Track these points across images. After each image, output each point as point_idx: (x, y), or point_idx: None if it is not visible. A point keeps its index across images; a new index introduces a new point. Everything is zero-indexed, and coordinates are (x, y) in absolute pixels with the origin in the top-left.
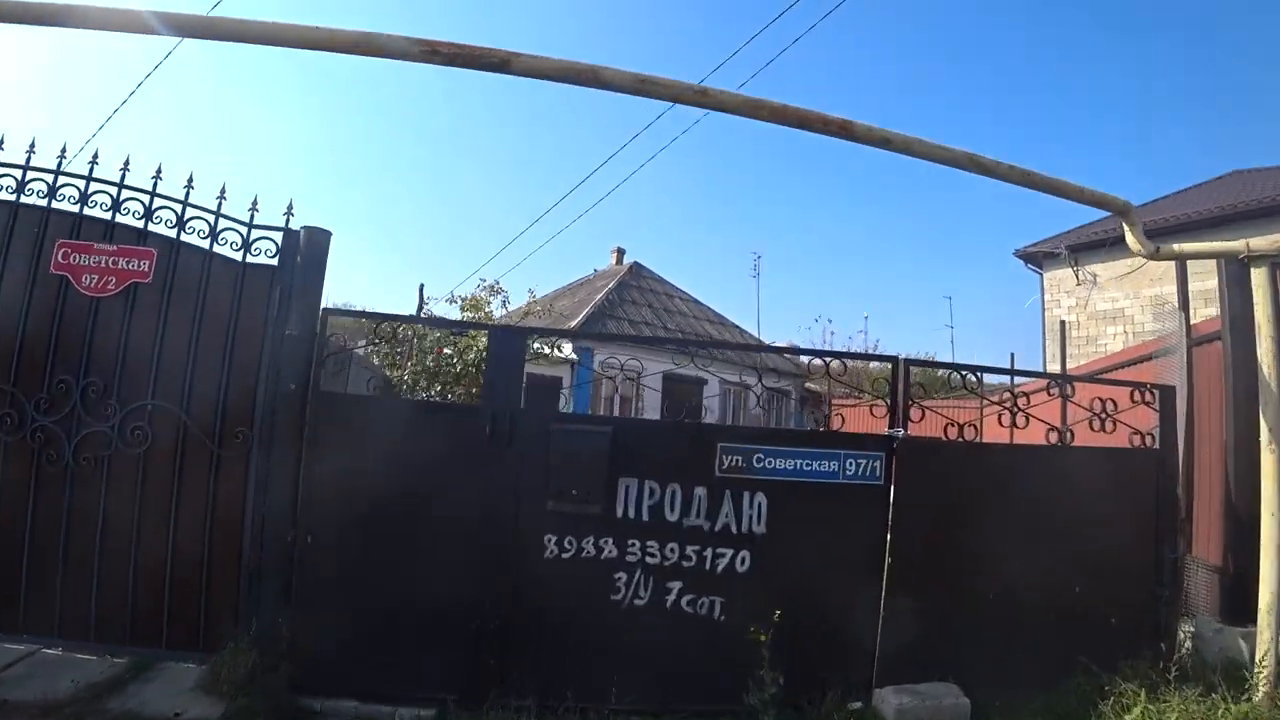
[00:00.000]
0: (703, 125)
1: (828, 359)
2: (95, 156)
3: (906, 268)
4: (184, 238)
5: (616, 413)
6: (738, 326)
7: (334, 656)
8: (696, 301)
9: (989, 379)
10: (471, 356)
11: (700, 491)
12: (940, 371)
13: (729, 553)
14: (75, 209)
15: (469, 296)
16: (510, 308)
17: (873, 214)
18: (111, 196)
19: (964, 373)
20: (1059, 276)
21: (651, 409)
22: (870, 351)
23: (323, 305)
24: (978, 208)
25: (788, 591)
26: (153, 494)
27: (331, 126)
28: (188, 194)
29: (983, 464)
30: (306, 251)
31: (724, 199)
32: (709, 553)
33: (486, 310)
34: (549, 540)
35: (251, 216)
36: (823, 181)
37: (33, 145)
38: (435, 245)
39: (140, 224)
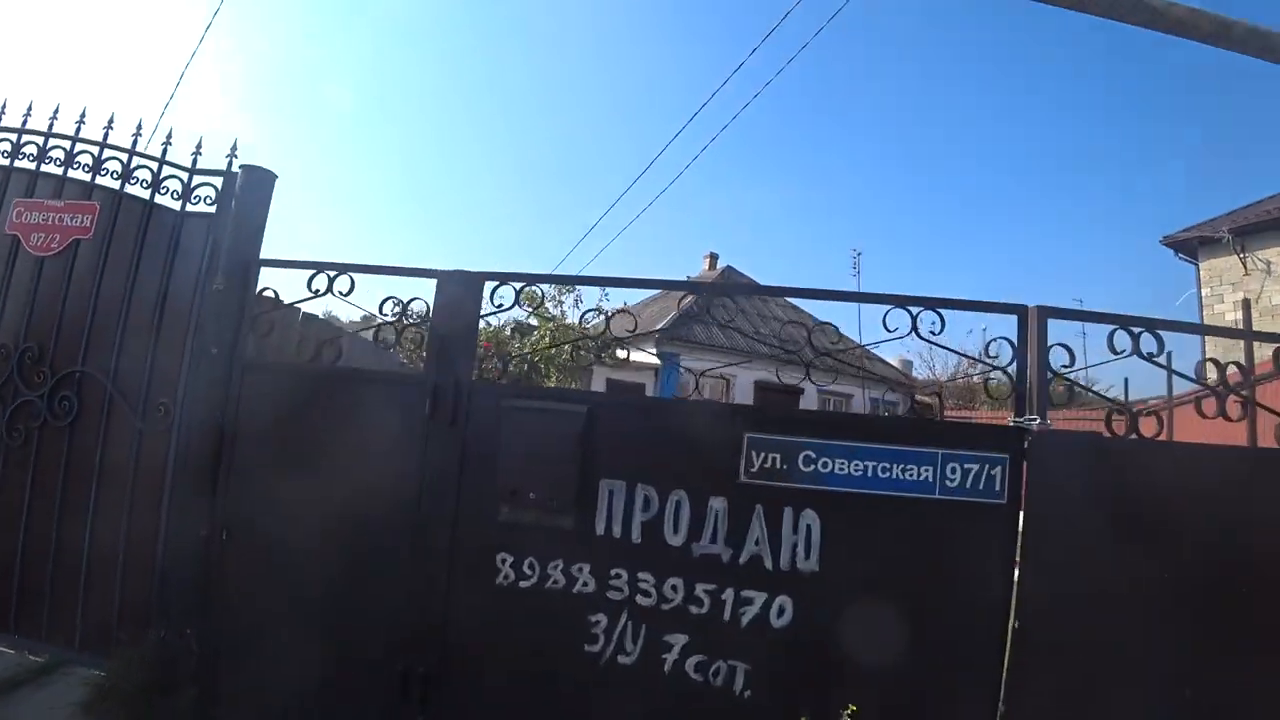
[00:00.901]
0: (788, 117)
1: (914, 309)
2: (55, 112)
3: (1033, 262)
4: (129, 189)
5: None
6: (840, 332)
7: (245, 684)
8: (794, 306)
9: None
10: (544, 344)
11: (717, 504)
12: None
13: (759, 597)
14: (30, 166)
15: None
16: (584, 308)
17: (994, 200)
18: (65, 150)
19: (1134, 330)
20: (1220, 266)
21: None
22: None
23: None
24: (1117, 191)
25: (849, 664)
26: (76, 473)
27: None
28: (134, 142)
29: (1188, 476)
30: (243, 194)
31: (821, 188)
32: (729, 595)
33: (558, 312)
34: (502, 561)
35: (194, 160)
36: (932, 172)
37: (3, 107)
38: (510, 245)
39: (88, 177)
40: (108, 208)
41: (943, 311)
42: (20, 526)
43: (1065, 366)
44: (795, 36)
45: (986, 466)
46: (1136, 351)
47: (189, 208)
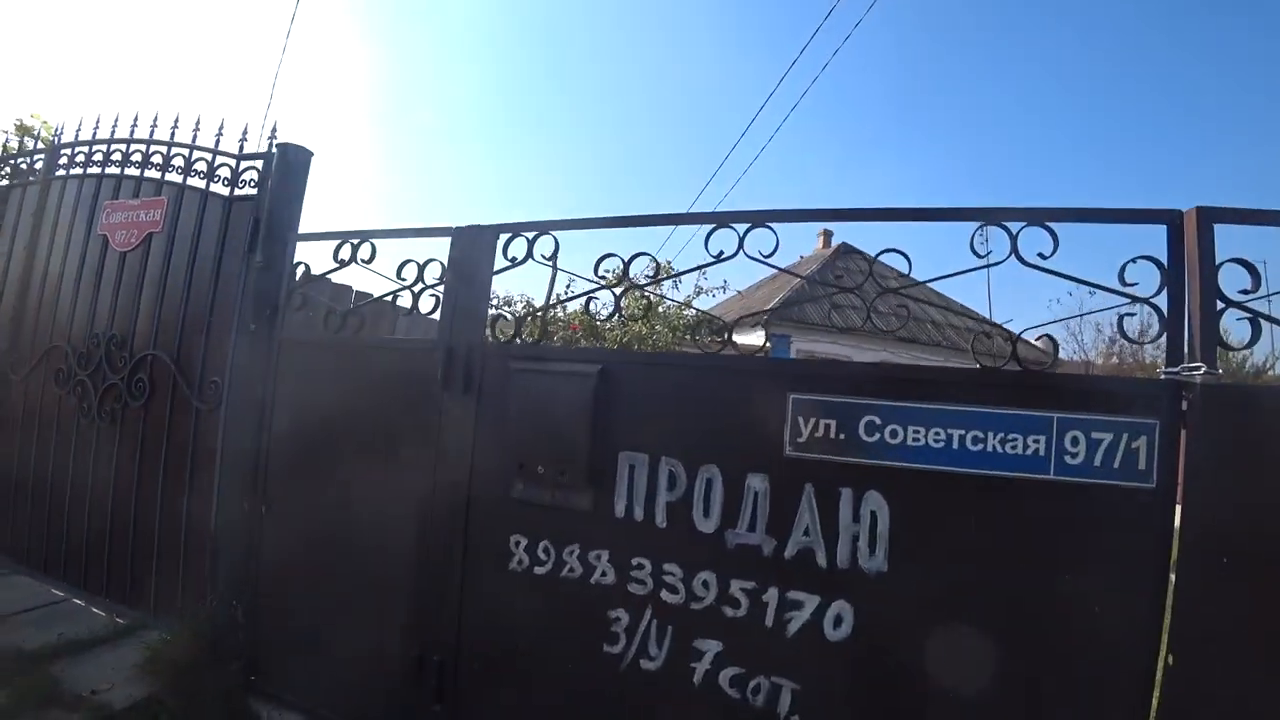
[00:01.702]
0: (902, 80)
1: (1013, 225)
2: (135, 119)
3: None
4: (190, 181)
5: None
6: (966, 309)
7: (284, 657)
8: (915, 282)
9: None
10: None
11: (757, 483)
12: None
13: (810, 601)
14: (117, 171)
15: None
16: (684, 290)
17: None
18: (141, 152)
19: None
20: None
21: None
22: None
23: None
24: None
25: (927, 694)
26: (149, 449)
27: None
28: (194, 136)
29: None
30: (279, 172)
31: (944, 157)
32: (771, 596)
33: (654, 292)
34: (516, 543)
35: (240, 146)
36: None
37: (97, 121)
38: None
39: (159, 175)
40: (173, 200)
41: (1055, 228)
42: (109, 499)
43: (1245, 292)
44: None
45: (1125, 437)
46: None
47: (238, 192)
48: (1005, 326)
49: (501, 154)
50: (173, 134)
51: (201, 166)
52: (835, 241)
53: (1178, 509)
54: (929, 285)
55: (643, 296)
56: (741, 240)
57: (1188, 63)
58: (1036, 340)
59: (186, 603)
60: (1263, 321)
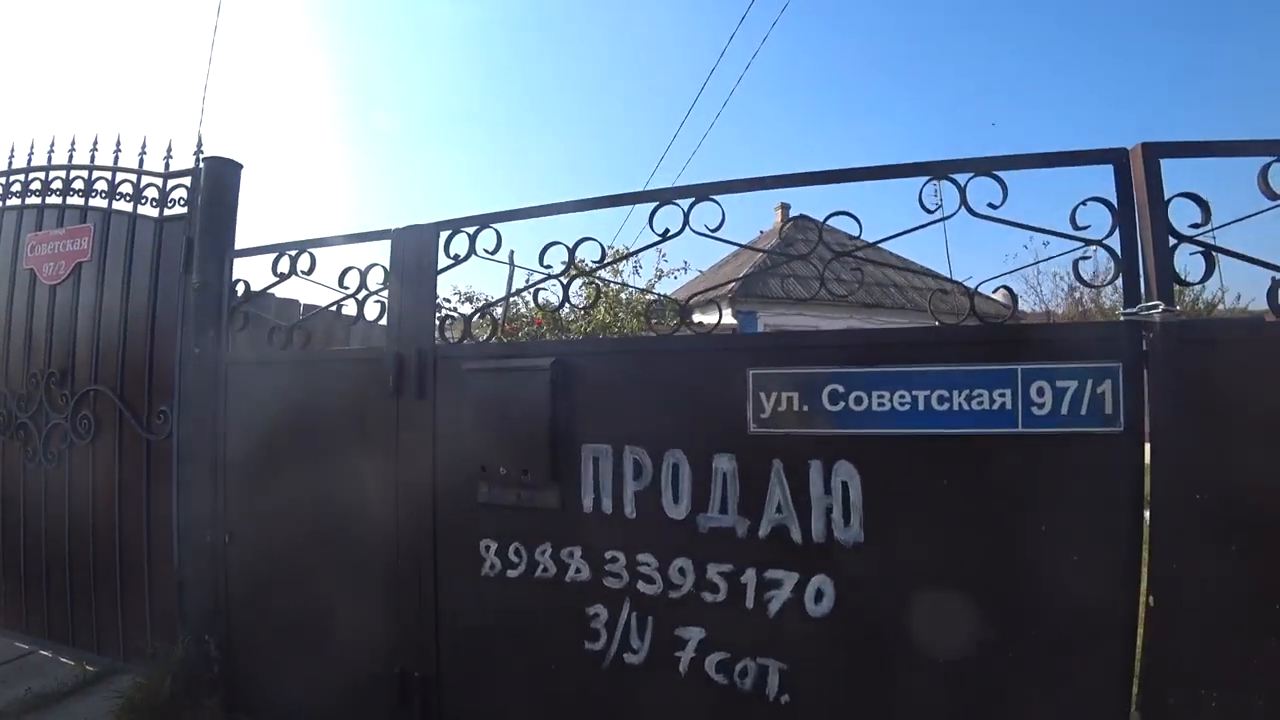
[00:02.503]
0: (849, 45)
1: (960, 176)
2: (52, 144)
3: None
4: (116, 205)
5: None
6: (927, 270)
7: (263, 686)
8: (866, 244)
9: None
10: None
11: (724, 464)
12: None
13: (789, 579)
14: (38, 201)
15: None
16: (645, 275)
17: (1091, 99)
18: (62, 179)
19: None
20: None
21: None
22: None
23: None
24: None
25: (915, 660)
26: (102, 487)
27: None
28: (116, 157)
29: None
30: (208, 188)
31: (894, 118)
32: (749, 577)
33: (612, 280)
34: (486, 548)
35: (166, 164)
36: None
37: (12, 150)
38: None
39: (82, 201)
40: (100, 227)
41: (1002, 175)
42: (65, 544)
43: (1196, 226)
44: None
45: (1090, 382)
46: None
47: (168, 211)
48: (964, 283)
49: (467, 149)
50: (93, 156)
51: (127, 189)
52: (793, 214)
53: (1147, 448)
54: (887, 249)
55: (591, 283)
56: (686, 216)
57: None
58: (995, 294)
59: (157, 642)
60: (1216, 254)
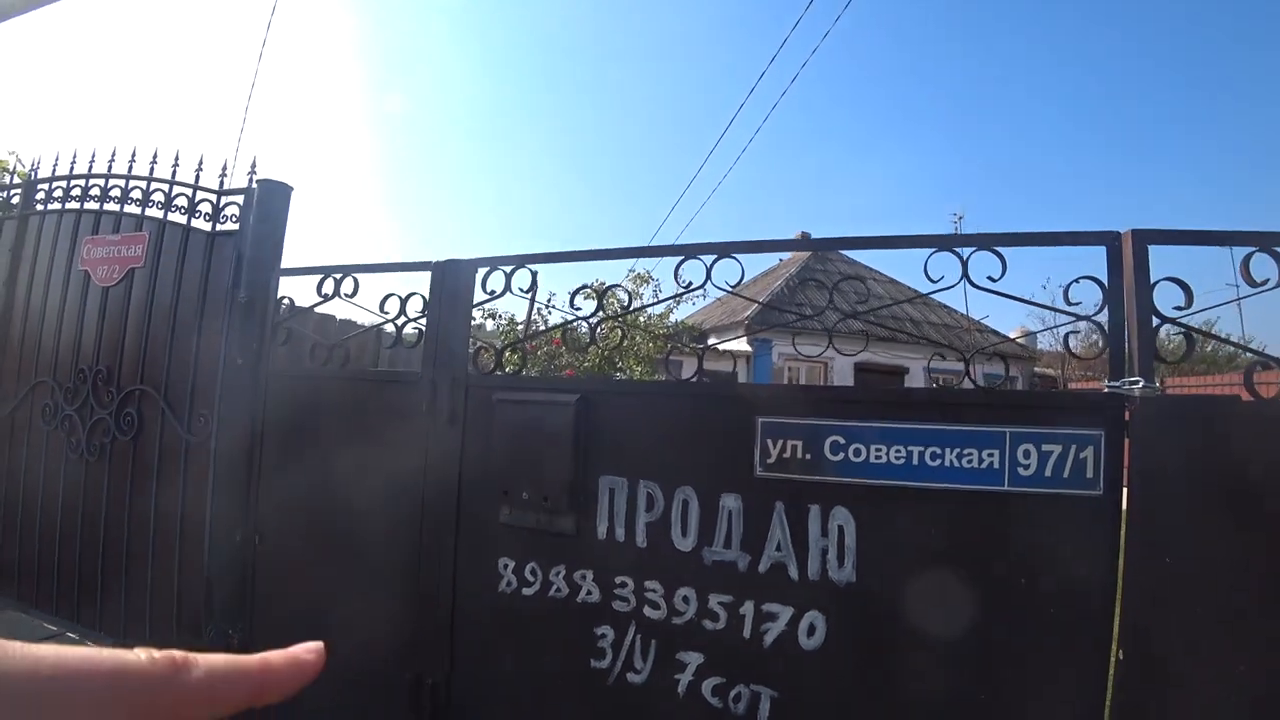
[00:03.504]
0: (873, 83)
1: (964, 250)
2: (113, 155)
3: (1184, 202)
4: (171, 216)
5: None
6: (944, 305)
7: None
8: (892, 280)
9: None
10: (614, 341)
11: (730, 503)
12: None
13: (784, 612)
14: (96, 207)
15: (598, 282)
16: (663, 295)
17: (1098, 143)
18: (121, 187)
19: (1277, 249)
20: None
21: None
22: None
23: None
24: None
25: (898, 696)
26: (139, 482)
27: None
28: (173, 171)
29: None
30: (260, 207)
31: (914, 155)
32: (748, 609)
33: (635, 299)
34: (504, 566)
35: (221, 182)
36: (1040, 121)
37: (74, 157)
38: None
39: (139, 210)
40: (155, 236)
41: (1003, 251)
42: (101, 534)
43: (1179, 309)
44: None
45: (1074, 448)
46: None
47: (220, 227)
48: (978, 320)
49: (499, 178)
50: (152, 169)
51: (182, 202)
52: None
53: (1125, 512)
54: (903, 282)
55: (616, 327)
56: (709, 271)
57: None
58: (1014, 334)
59: (181, 634)
60: (1196, 336)
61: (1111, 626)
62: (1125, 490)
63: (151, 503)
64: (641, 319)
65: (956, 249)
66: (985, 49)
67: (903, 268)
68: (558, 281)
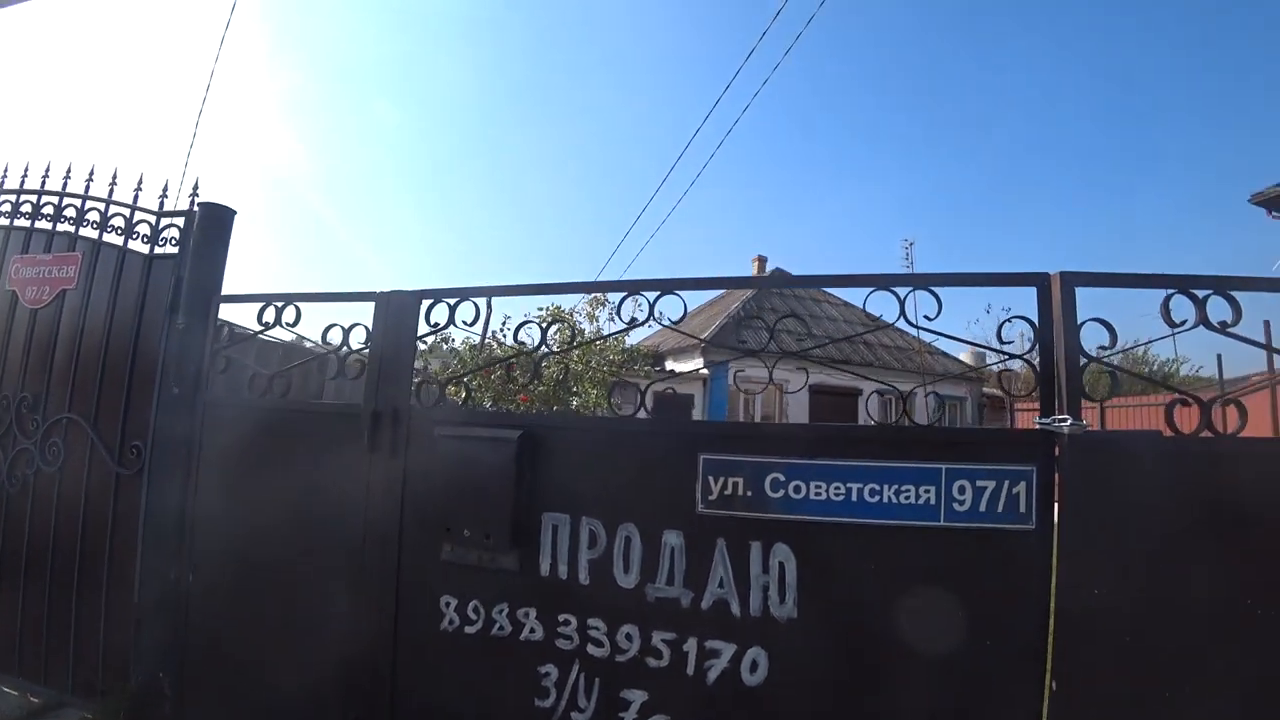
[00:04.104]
0: (826, 108)
1: (901, 290)
2: (46, 170)
3: (1107, 234)
4: (107, 237)
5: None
6: (897, 328)
7: None
8: (846, 304)
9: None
10: (560, 367)
11: (673, 539)
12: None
13: (727, 649)
14: (27, 224)
15: (553, 307)
16: (618, 325)
17: (1059, 169)
18: (54, 205)
19: (1197, 293)
20: None
21: (798, 418)
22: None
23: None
24: (1196, 150)
25: None
26: (65, 517)
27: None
28: (111, 190)
29: None
30: (200, 231)
31: (866, 180)
32: (691, 646)
33: (591, 324)
34: (447, 604)
35: (160, 204)
36: (985, 148)
37: (5, 171)
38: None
39: (72, 229)
40: (89, 257)
41: (939, 290)
42: (20, 572)
43: (1104, 348)
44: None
45: (1007, 483)
46: (1203, 321)
47: (159, 250)
48: (930, 345)
49: (448, 207)
50: (87, 187)
51: (119, 222)
52: (769, 267)
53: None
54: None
55: (563, 360)
56: (652, 306)
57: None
58: (963, 356)
59: (108, 676)
60: (1123, 374)
61: (1045, 657)
62: (1057, 524)
63: (78, 538)
64: (596, 344)
65: (894, 289)
66: (944, 73)
67: (855, 292)
68: (514, 306)
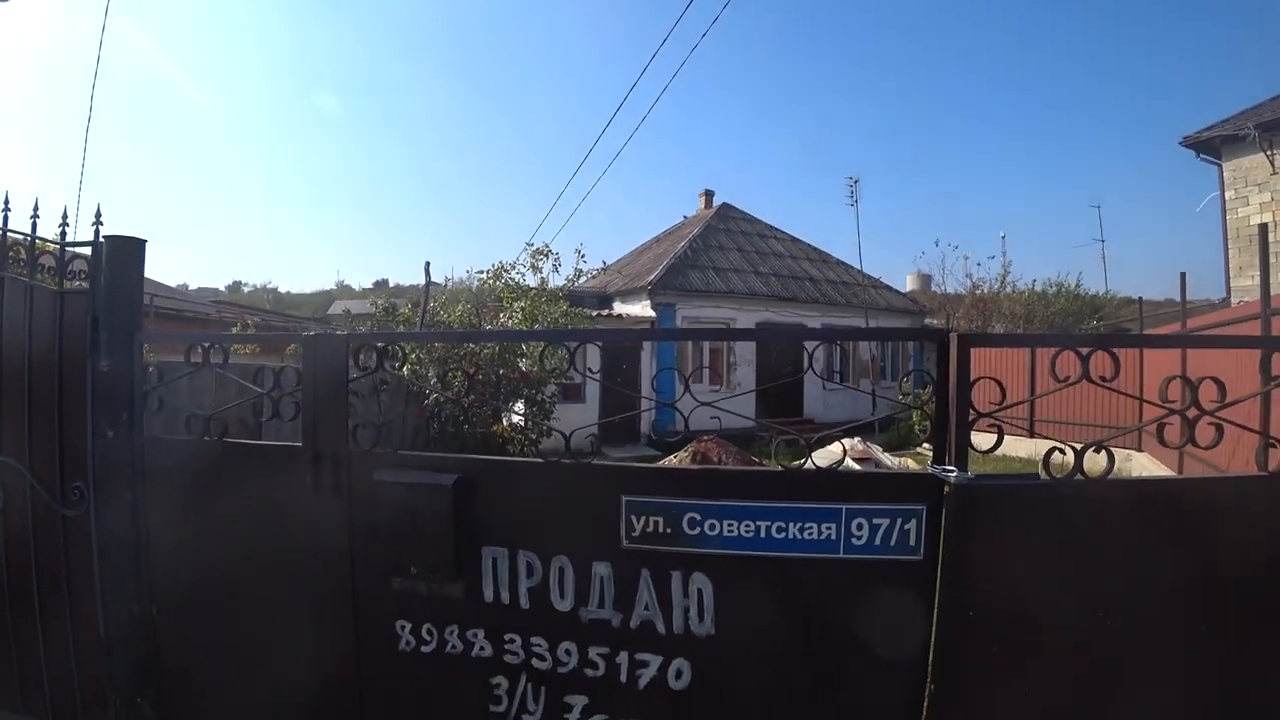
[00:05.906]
0: (774, 41)
1: (810, 344)
2: None
3: (1045, 173)
4: (10, 272)
5: (707, 370)
6: (841, 262)
7: None
8: (793, 239)
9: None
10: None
11: (602, 570)
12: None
13: (655, 660)
14: None
15: (495, 265)
16: (564, 272)
17: (998, 108)
18: None
19: (1081, 351)
20: (1245, 166)
21: (745, 363)
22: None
23: (140, 330)
24: (1132, 89)
25: None
26: (15, 559)
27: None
28: (4, 219)
29: (1156, 518)
30: (111, 268)
31: (815, 114)
32: (623, 659)
33: (537, 276)
34: (402, 628)
35: (62, 234)
36: (932, 80)
37: None
38: (451, 226)
39: None
40: None
41: (849, 337)
42: None
43: (996, 404)
44: None
45: (899, 520)
46: (1086, 376)
47: (68, 285)
48: (875, 278)
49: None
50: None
51: (21, 254)
52: (717, 201)
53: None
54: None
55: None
56: (571, 356)
57: None
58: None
59: (85, 703)
60: (1003, 428)
61: (927, 666)
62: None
63: (32, 577)
64: (541, 298)
65: (805, 342)
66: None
67: (803, 226)
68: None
